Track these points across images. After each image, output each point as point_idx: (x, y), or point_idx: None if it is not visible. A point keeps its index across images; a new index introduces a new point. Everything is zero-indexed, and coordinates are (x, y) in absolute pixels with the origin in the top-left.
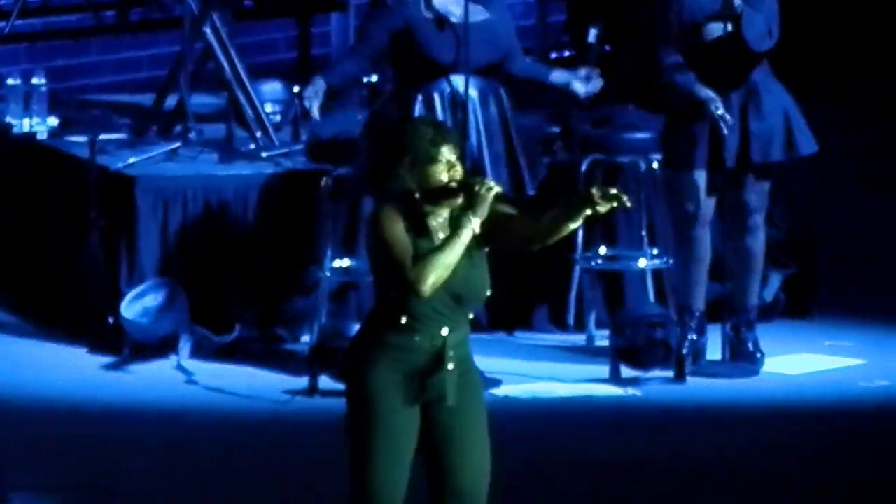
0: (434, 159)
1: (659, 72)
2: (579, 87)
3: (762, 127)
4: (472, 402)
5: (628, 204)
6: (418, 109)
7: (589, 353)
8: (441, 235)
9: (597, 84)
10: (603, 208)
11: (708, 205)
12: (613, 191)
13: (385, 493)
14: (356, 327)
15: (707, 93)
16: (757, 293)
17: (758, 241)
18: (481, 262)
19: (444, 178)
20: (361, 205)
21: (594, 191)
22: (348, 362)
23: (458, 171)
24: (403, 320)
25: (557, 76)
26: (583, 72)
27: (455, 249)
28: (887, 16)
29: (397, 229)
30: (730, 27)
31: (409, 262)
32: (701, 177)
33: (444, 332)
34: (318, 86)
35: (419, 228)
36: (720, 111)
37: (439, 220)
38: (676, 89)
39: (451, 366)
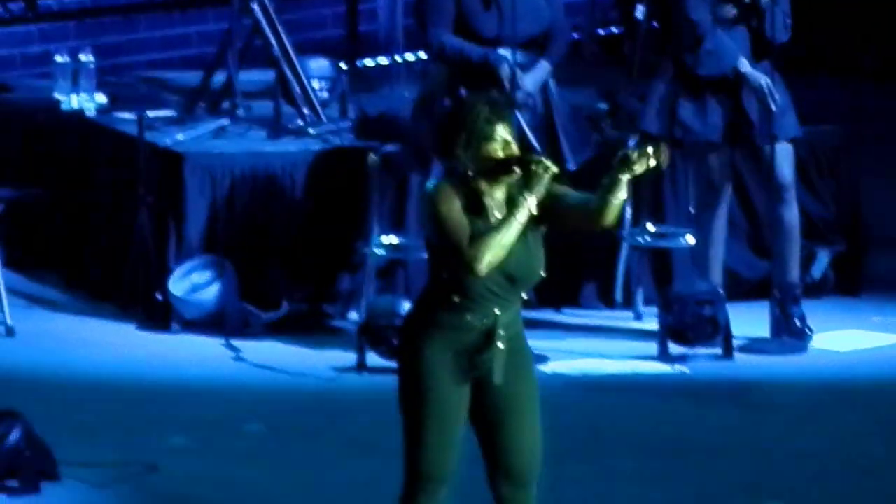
0: (489, 137)
1: (695, 30)
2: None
3: (783, 102)
4: (524, 383)
5: (664, 158)
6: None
7: (637, 330)
8: (498, 215)
9: None
10: (640, 167)
11: (730, 180)
12: (648, 148)
13: (435, 469)
14: (404, 304)
15: (749, 68)
16: (798, 268)
17: (794, 214)
18: (537, 243)
19: (500, 155)
20: (409, 182)
21: (628, 152)
22: (400, 340)
23: (514, 149)
24: (456, 299)
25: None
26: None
27: (512, 229)
28: None
29: (454, 208)
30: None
31: (465, 241)
32: (726, 152)
33: (497, 311)
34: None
35: (476, 207)
36: (767, 85)
37: (496, 199)
38: (711, 44)
39: (500, 345)
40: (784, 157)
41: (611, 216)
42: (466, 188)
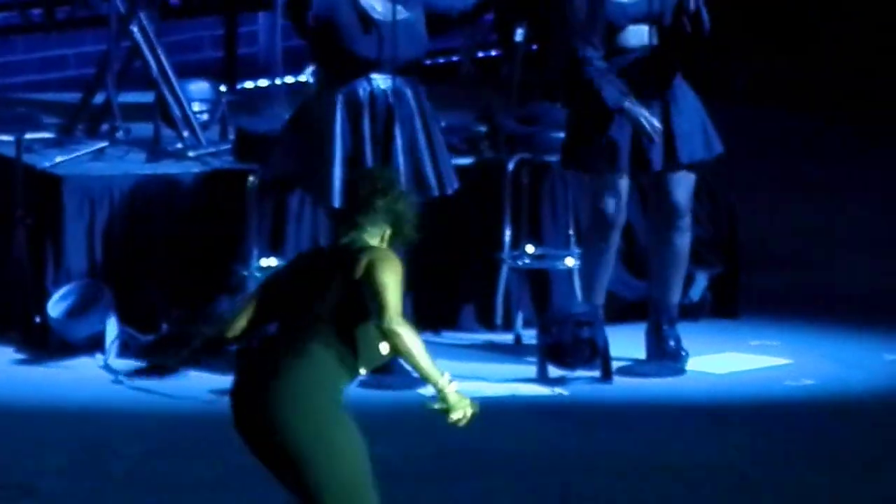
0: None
1: (578, 67)
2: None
3: (684, 127)
4: None
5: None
6: (341, 109)
7: (516, 352)
8: None
9: None
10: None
11: (625, 209)
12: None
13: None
14: None
15: (629, 102)
16: (679, 292)
17: (686, 241)
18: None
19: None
20: (288, 204)
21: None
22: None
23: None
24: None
25: None
26: None
27: (420, 366)
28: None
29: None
30: (653, 34)
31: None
32: (624, 181)
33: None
34: None
35: None
36: (647, 121)
37: None
38: (595, 84)
39: None
40: (682, 183)
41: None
42: None
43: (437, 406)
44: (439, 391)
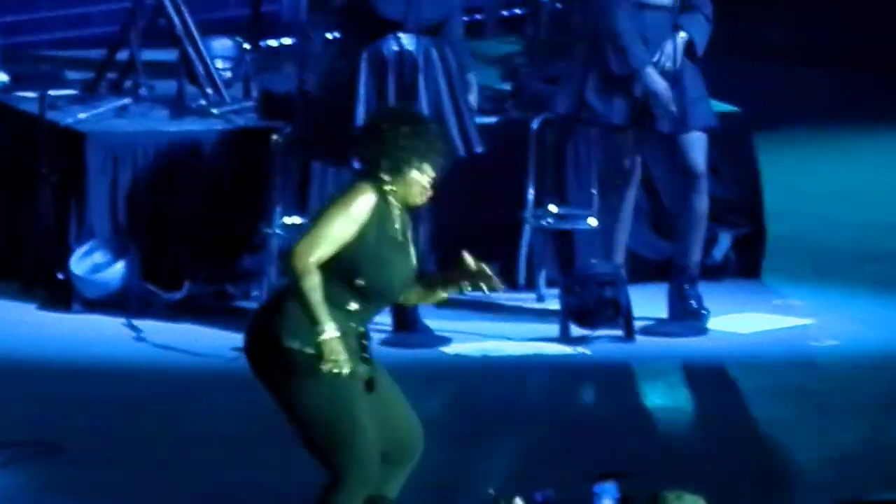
0: (420, 170)
1: (609, 18)
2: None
3: (694, 93)
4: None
5: (499, 287)
6: (365, 67)
7: (539, 311)
8: (398, 227)
9: None
10: (468, 289)
11: (639, 166)
12: (488, 271)
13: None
14: None
15: (650, 68)
16: (699, 251)
17: (704, 202)
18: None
19: (423, 184)
20: (312, 162)
21: (466, 270)
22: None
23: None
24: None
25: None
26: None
27: (310, 303)
28: None
29: (353, 217)
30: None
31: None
32: (632, 137)
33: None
34: None
35: (388, 214)
36: (663, 92)
37: (399, 213)
38: (623, 41)
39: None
40: (696, 146)
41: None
42: (384, 196)
43: (309, 350)
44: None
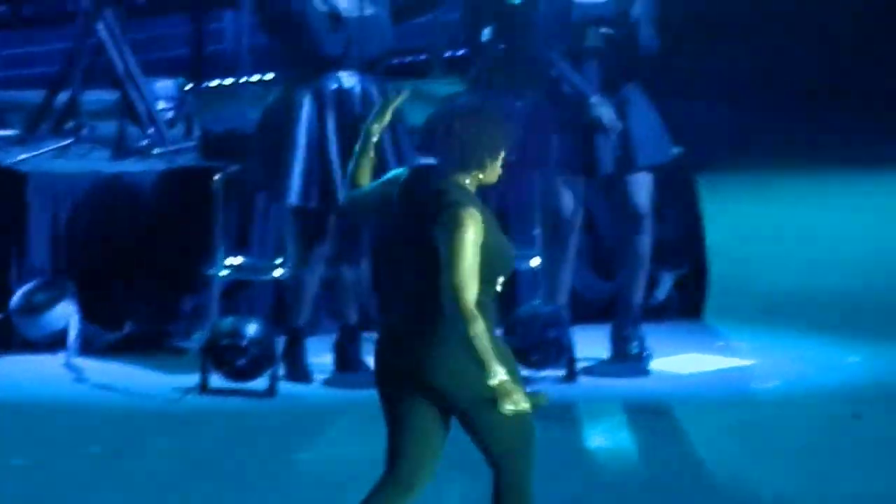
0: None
1: (546, 66)
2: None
3: (640, 130)
4: None
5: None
6: (306, 106)
7: None
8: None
9: None
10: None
11: (581, 208)
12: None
13: None
14: (248, 325)
15: (596, 98)
16: (642, 292)
17: (647, 242)
18: None
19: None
20: (254, 202)
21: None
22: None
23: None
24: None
25: None
26: None
27: (481, 346)
28: None
29: (477, 233)
30: (610, 36)
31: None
32: (578, 180)
33: None
34: None
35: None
36: (609, 118)
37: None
38: (566, 77)
39: None
40: (641, 186)
41: None
42: (471, 191)
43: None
44: (493, 385)
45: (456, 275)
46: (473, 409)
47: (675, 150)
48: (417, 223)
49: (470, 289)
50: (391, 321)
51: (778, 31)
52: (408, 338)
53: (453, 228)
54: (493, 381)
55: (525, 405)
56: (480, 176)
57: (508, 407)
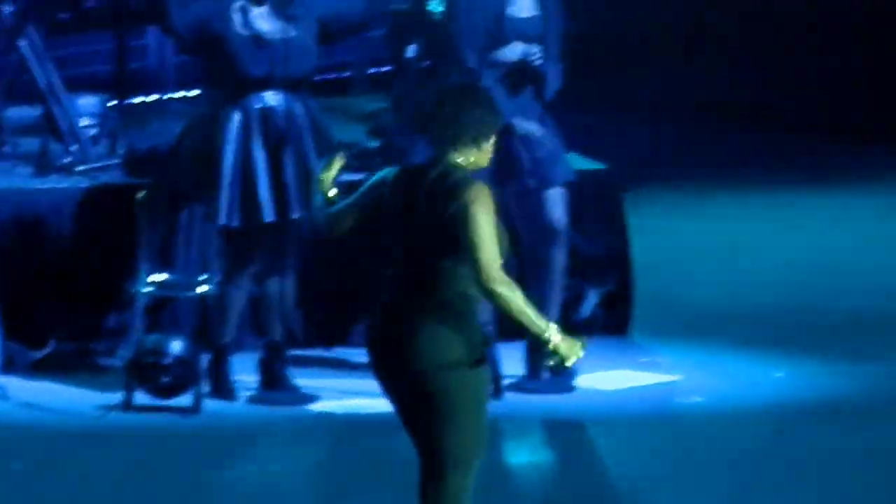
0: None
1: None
2: None
3: (553, 147)
4: None
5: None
6: (232, 127)
7: None
8: None
9: None
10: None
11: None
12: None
13: None
14: (173, 342)
15: (520, 116)
16: (558, 308)
17: (562, 258)
18: None
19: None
20: (178, 219)
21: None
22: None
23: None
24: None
25: None
26: None
27: (523, 322)
28: None
29: (492, 204)
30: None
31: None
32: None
33: None
34: None
35: None
36: (532, 134)
37: None
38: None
39: None
40: (556, 201)
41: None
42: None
43: (551, 362)
44: (546, 344)
45: (484, 250)
46: (441, 400)
47: (600, 167)
48: (427, 210)
49: (498, 259)
50: (386, 301)
51: (711, 52)
52: (400, 315)
53: (470, 203)
54: (555, 339)
55: (580, 352)
56: (472, 158)
57: (571, 361)
